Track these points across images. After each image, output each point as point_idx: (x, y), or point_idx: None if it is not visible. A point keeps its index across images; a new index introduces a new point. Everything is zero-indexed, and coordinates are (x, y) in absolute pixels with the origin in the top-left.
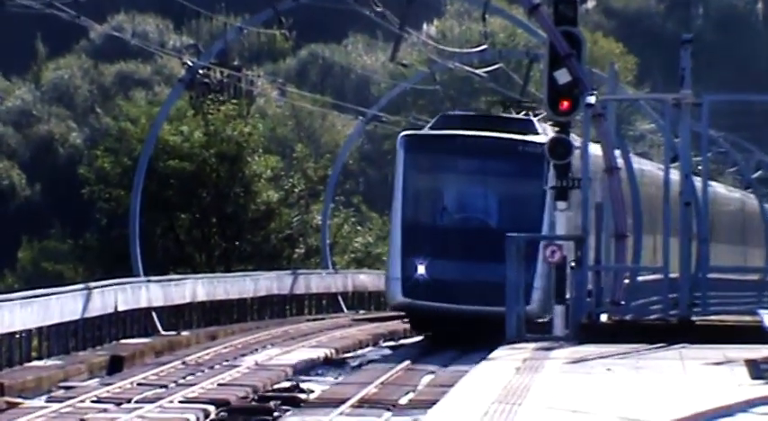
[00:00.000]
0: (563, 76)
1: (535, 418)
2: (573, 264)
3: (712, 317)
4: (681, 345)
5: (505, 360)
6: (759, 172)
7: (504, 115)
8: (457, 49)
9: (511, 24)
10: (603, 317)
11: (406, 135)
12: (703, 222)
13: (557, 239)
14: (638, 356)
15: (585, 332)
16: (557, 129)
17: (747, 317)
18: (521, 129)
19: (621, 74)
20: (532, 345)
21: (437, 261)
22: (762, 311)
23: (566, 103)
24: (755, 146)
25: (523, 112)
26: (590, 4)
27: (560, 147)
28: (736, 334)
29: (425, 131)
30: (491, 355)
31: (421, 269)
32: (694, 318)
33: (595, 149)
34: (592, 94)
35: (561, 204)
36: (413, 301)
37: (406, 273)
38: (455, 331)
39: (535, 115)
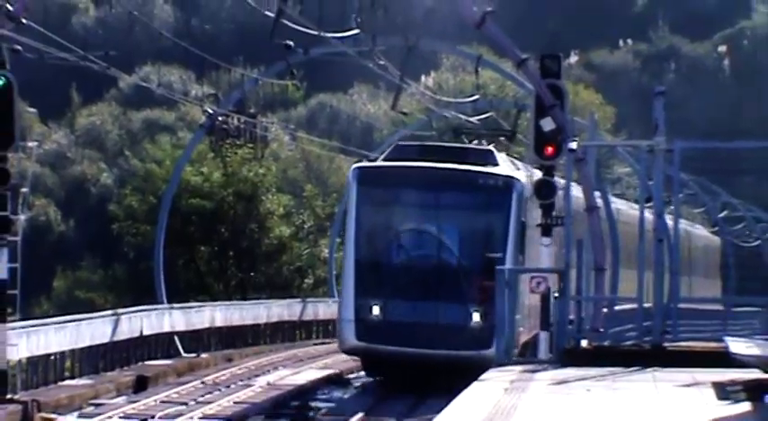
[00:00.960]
0: (548, 124)
1: None
2: (556, 294)
3: (682, 344)
4: (653, 369)
5: (495, 381)
6: (725, 212)
7: (462, 145)
8: (452, 99)
9: (501, 77)
10: (584, 343)
11: (358, 167)
12: (675, 257)
13: (542, 272)
14: (614, 378)
15: (567, 356)
16: (542, 172)
17: (714, 344)
18: (479, 159)
19: (601, 122)
20: (519, 368)
21: (393, 301)
22: (727, 338)
23: (550, 149)
24: (722, 188)
25: (476, 141)
26: (572, 59)
27: (545, 188)
28: (704, 358)
29: (379, 163)
30: (482, 377)
31: (375, 310)
32: (666, 344)
33: (577, 191)
34: (574, 141)
35: (545, 240)
36: (367, 345)
37: (360, 314)
38: (412, 376)
39: (489, 143)
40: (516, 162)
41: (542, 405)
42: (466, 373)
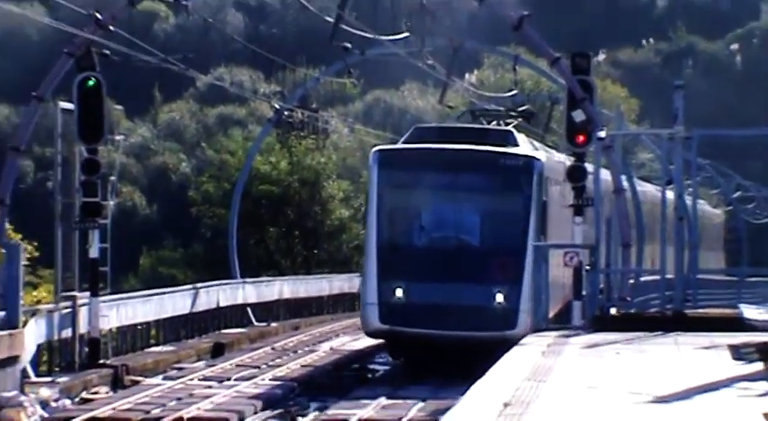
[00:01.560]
0: (579, 116)
1: (558, 393)
2: (588, 267)
3: (701, 311)
4: (675, 333)
5: (533, 345)
6: (738, 192)
7: (482, 126)
8: (493, 94)
9: (536, 74)
10: (613, 311)
11: (379, 150)
12: (693, 233)
13: (575, 247)
14: (640, 342)
15: (598, 322)
16: (574, 158)
17: (729, 310)
18: (499, 140)
19: (626, 113)
20: (555, 334)
21: (415, 284)
22: (741, 305)
23: (581, 138)
24: (734, 171)
25: (494, 122)
26: (601, 57)
27: (577, 172)
28: (721, 324)
29: (399, 146)
30: (522, 341)
31: (398, 293)
32: (686, 311)
33: (605, 175)
34: (602, 130)
35: (578, 219)
36: (391, 328)
37: (383, 297)
38: (436, 357)
39: (507, 124)
40: (536, 143)
41: (576, 366)
42: (492, 354)
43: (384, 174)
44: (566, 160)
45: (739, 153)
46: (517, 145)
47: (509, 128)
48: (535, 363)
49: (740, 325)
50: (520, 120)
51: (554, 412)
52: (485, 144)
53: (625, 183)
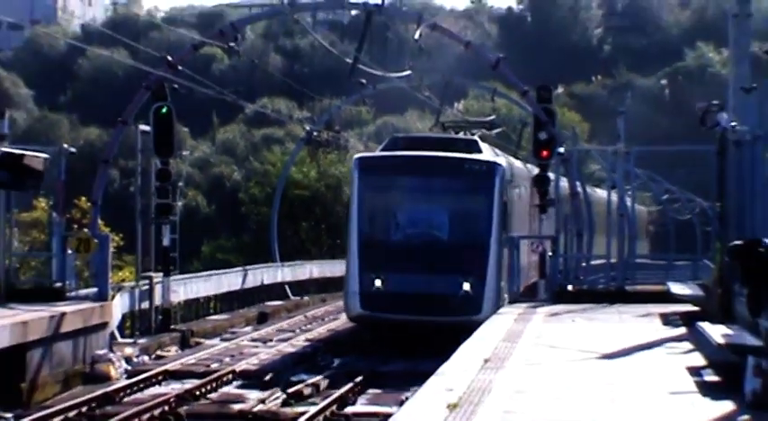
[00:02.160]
0: (543, 135)
1: (527, 351)
2: (550, 253)
3: (638, 287)
4: (618, 305)
5: (508, 314)
6: (666, 195)
7: (450, 136)
8: (475, 118)
9: (510, 102)
10: (569, 287)
11: (359, 157)
12: (632, 227)
13: (540, 237)
14: (591, 311)
15: (558, 296)
16: (539, 169)
17: (659, 287)
18: (465, 148)
19: (580, 134)
20: (525, 305)
21: (392, 275)
22: (669, 283)
23: (545, 153)
24: (663, 178)
25: (462, 132)
26: (560, 90)
27: (542, 179)
28: (653, 297)
29: (377, 153)
30: (499, 310)
31: (377, 283)
32: (626, 288)
33: (564, 181)
34: (561, 147)
35: (543, 216)
36: (371, 314)
37: (364, 286)
38: (411, 339)
39: (471, 134)
40: (497, 150)
41: (541, 330)
42: (459, 335)
43: (363, 178)
44: (522, 165)
45: (667, 164)
46: (481, 152)
47: (474, 137)
48: (509, 328)
49: (668, 298)
50: (482, 130)
51: (523, 365)
52: (452, 151)
53: (579, 188)
